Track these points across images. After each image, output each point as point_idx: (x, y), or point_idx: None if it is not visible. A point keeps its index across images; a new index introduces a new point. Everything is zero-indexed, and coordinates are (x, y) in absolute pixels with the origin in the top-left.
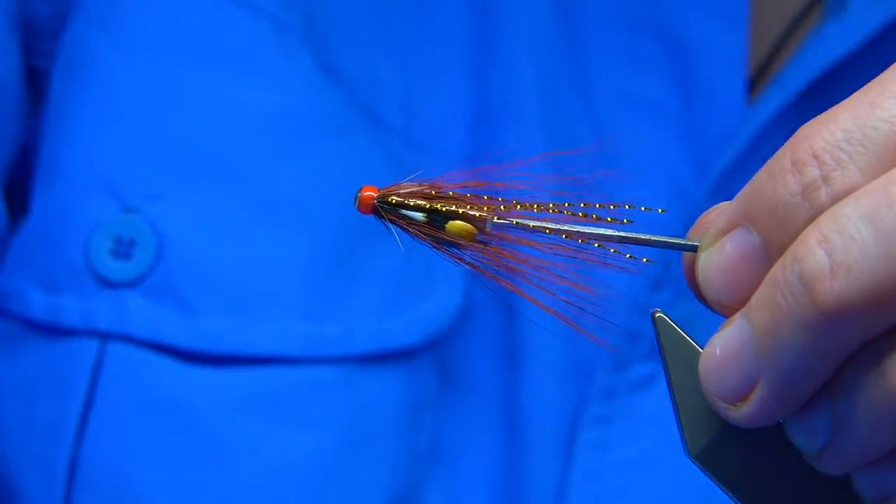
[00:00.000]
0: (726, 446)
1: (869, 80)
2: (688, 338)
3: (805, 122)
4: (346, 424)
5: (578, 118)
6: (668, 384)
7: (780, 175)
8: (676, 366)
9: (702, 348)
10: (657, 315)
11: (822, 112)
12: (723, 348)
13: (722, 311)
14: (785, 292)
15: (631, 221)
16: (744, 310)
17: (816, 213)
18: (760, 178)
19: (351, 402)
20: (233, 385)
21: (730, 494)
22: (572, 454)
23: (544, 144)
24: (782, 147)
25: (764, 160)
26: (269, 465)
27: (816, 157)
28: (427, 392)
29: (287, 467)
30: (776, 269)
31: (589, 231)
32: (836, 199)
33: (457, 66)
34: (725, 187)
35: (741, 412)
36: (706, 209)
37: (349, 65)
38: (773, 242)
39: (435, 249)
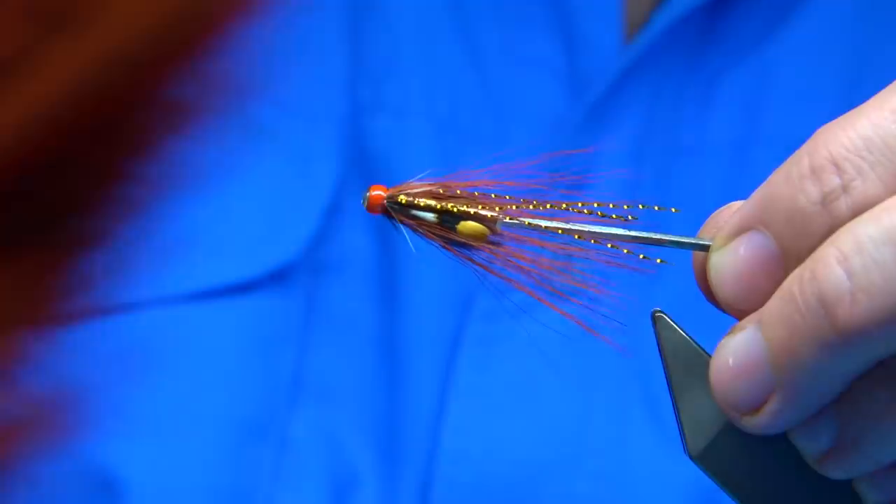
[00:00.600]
0: (727, 446)
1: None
2: (688, 337)
3: (672, 59)
4: (190, 359)
5: (464, 75)
6: (667, 384)
7: (799, 181)
8: (676, 365)
9: (701, 347)
10: (657, 314)
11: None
12: (736, 359)
13: (732, 313)
14: (803, 311)
15: (636, 218)
16: (756, 319)
17: (836, 223)
18: (777, 180)
19: (195, 338)
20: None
21: (730, 494)
22: (452, 375)
23: (427, 103)
24: (799, 149)
25: (636, 94)
26: None
27: (836, 165)
28: (286, 325)
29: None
30: (793, 285)
31: (601, 231)
32: (856, 209)
33: (331, 29)
34: (600, 116)
35: (754, 422)
36: (581, 138)
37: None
38: (790, 250)
39: (445, 249)
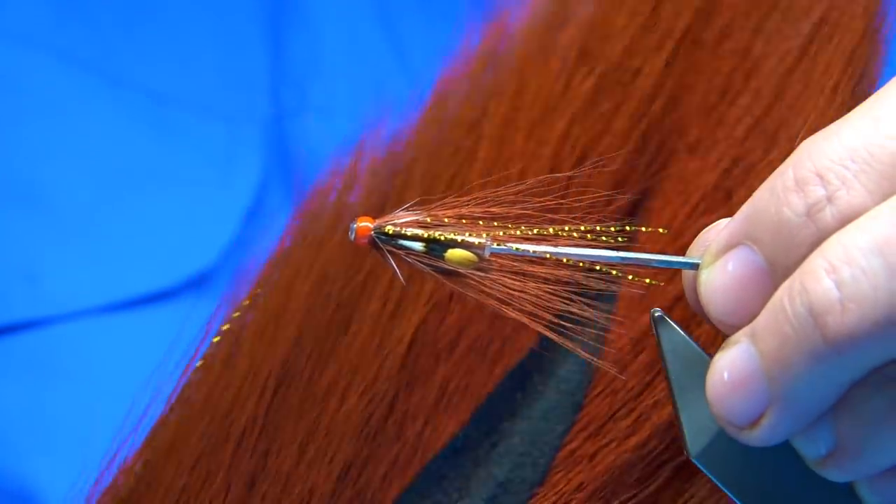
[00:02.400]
0: (727, 446)
1: None
2: (687, 338)
3: None
4: (105, 371)
5: (389, 73)
6: (668, 384)
7: (784, 194)
8: (676, 366)
9: (701, 348)
10: (657, 315)
11: None
12: (730, 373)
13: (724, 329)
14: (794, 322)
15: (626, 240)
16: (749, 333)
17: (822, 233)
18: (762, 195)
19: (110, 350)
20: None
21: (730, 494)
22: None
23: (352, 102)
24: (784, 162)
25: None
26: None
27: (820, 176)
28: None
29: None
30: (783, 297)
31: (590, 254)
32: (842, 219)
33: (251, 30)
34: None
35: (753, 435)
36: None
37: (130, 60)
38: (778, 263)
39: (434, 277)
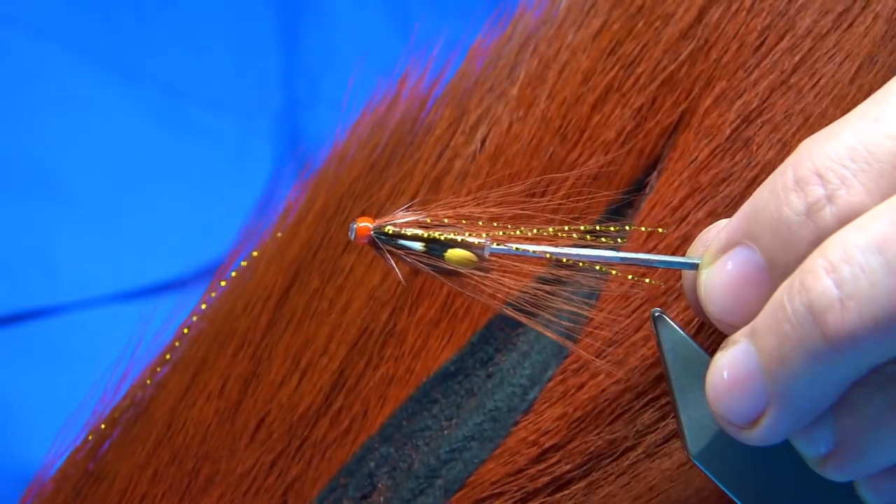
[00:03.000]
0: (727, 446)
1: None
2: (687, 337)
3: None
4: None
5: (402, 65)
6: (668, 384)
7: (784, 193)
8: (676, 366)
9: (701, 347)
10: (657, 315)
11: None
12: (730, 372)
13: (724, 329)
14: (793, 321)
15: (625, 240)
16: (748, 332)
17: (822, 232)
18: (762, 195)
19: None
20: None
21: (730, 494)
22: None
23: (364, 93)
24: (784, 163)
25: None
26: None
27: (820, 175)
28: None
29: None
30: (782, 295)
31: (591, 254)
32: (842, 218)
33: (264, 24)
34: None
35: (752, 435)
36: None
37: (145, 54)
38: (777, 262)
39: (434, 276)
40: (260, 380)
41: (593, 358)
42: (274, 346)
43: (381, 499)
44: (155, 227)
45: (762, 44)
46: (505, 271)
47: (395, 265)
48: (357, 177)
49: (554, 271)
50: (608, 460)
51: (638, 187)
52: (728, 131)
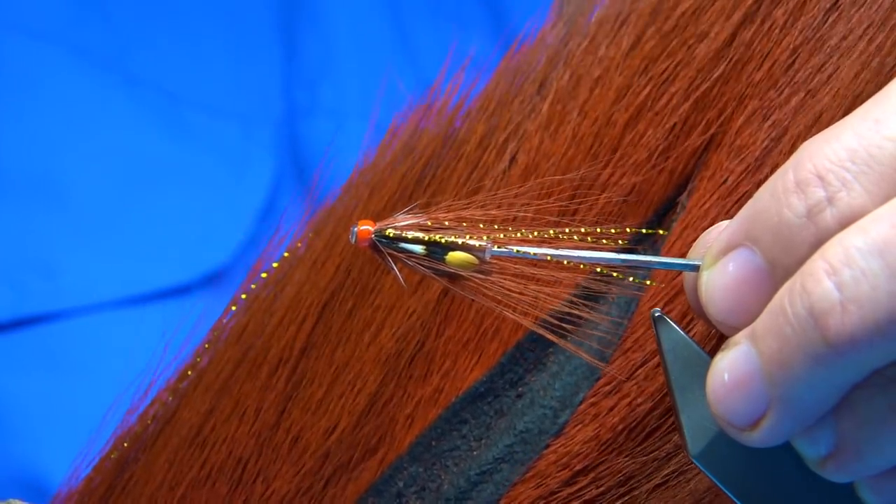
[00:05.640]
0: (727, 446)
1: None
2: (687, 337)
3: None
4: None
5: (400, 75)
6: (668, 384)
7: (784, 195)
8: (676, 366)
9: (700, 347)
10: (657, 315)
11: None
12: (731, 374)
13: (725, 330)
14: (794, 323)
15: (626, 242)
16: (749, 334)
17: (822, 234)
18: (763, 196)
19: (126, 343)
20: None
21: (730, 494)
22: None
23: (363, 104)
24: (784, 164)
25: None
26: None
27: (821, 178)
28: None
29: None
30: (783, 298)
31: (591, 256)
32: (843, 220)
33: (264, 32)
34: None
35: (753, 437)
36: None
37: (147, 60)
38: (778, 264)
39: (435, 279)
40: (295, 402)
41: (624, 378)
42: (309, 369)
43: None
44: (156, 232)
45: (794, 62)
46: (537, 281)
47: (396, 269)
48: (390, 195)
49: (591, 286)
50: (640, 481)
51: (668, 206)
52: (758, 151)
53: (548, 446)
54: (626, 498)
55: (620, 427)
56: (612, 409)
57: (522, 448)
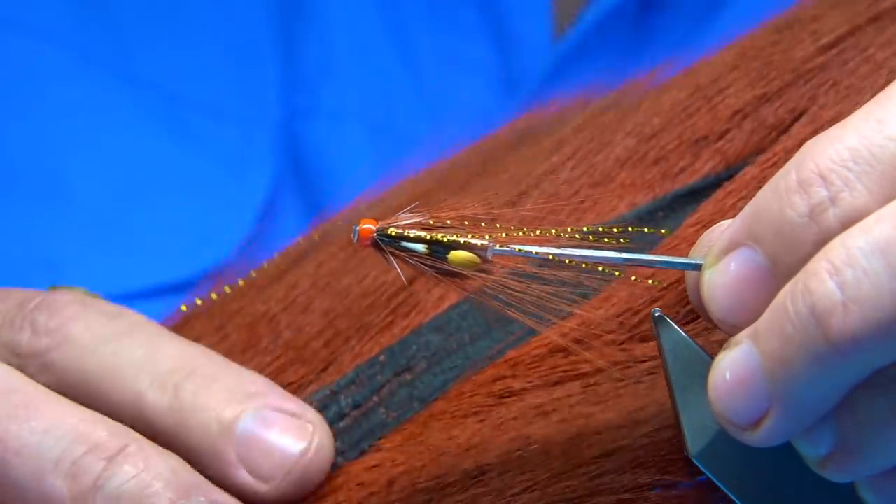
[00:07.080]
0: (727, 446)
1: None
2: (687, 337)
3: (604, 56)
4: None
5: (399, 78)
6: (668, 384)
7: (787, 194)
8: (677, 366)
9: (701, 347)
10: (657, 315)
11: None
12: (732, 374)
13: (727, 330)
14: (796, 323)
15: (628, 241)
16: (751, 333)
17: (825, 234)
18: (765, 196)
19: None
20: None
21: (730, 494)
22: None
23: (362, 106)
24: (787, 164)
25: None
26: None
27: (823, 177)
28: None
29: None
30: (785, 298)
31: (593, 255)
32: (845, 220)
33: (263, 34)
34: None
35: (754, 436)
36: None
37: (148, 62)
38: (780, 263)
39: (437, 278)
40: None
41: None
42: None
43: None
44: (155, 233)
45: None
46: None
47: (398, 267)
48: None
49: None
50: None
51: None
52: None
53: None
54: None
55: None
56: None
57: None
